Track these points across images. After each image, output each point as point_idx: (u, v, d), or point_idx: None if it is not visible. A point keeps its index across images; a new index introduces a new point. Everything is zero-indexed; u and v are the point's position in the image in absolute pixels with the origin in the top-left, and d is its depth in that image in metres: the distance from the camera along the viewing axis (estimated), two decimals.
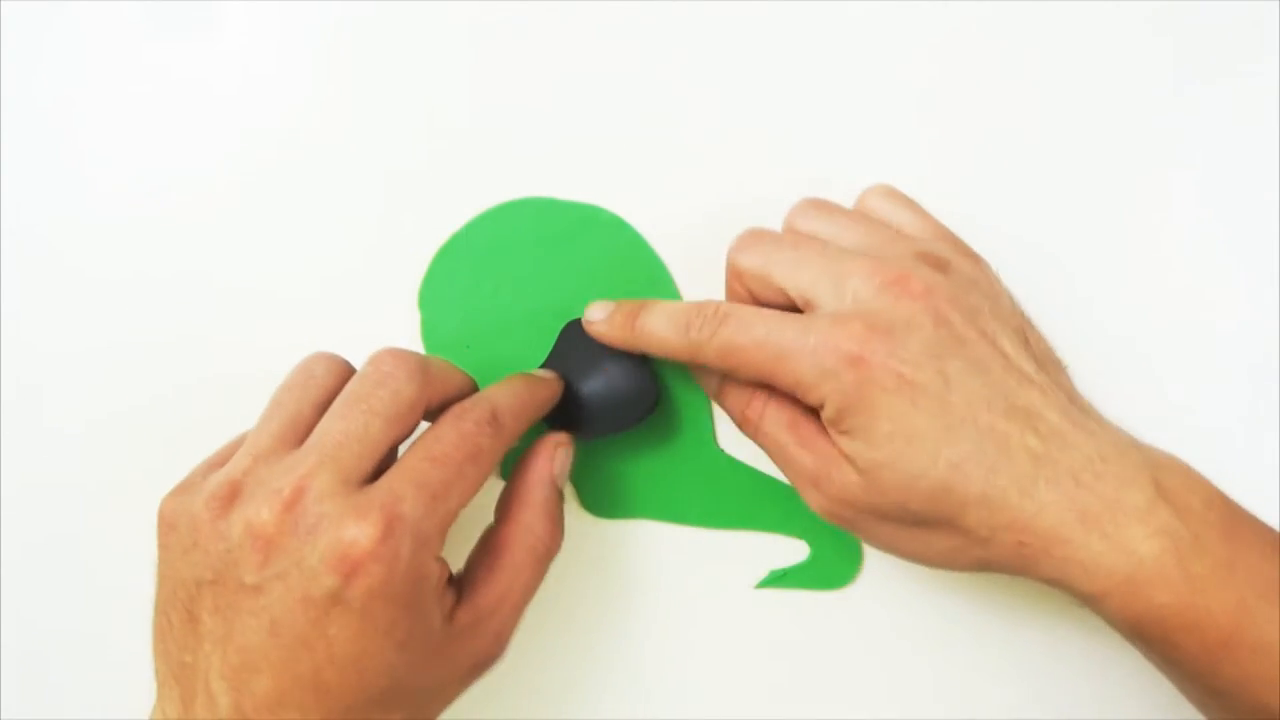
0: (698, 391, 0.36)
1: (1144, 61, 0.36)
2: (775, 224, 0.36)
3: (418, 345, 0.36)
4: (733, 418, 0.33)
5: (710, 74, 0.37)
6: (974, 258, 0.33)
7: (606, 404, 0.35)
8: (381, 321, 0.36)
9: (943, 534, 0.29)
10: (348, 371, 0.31)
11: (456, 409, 0.30)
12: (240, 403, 0.37)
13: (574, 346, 0.36)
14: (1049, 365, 0.31)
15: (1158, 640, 0.27)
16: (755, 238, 0.32)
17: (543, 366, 0.36)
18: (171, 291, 0.37)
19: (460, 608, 0.29)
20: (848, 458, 0.29)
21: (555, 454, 0.32)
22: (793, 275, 0.31)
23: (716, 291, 0.36)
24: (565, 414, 0.35)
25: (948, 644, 0.36)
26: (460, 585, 0.30)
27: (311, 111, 0.37)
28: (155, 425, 0.37)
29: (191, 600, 0.28)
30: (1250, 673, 0.26)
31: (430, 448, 0.29)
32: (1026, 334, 0.31)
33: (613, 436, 0.35)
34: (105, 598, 0.37)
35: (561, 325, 0.36)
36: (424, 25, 0.37)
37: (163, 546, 0.29)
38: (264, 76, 0.38)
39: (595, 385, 0.35)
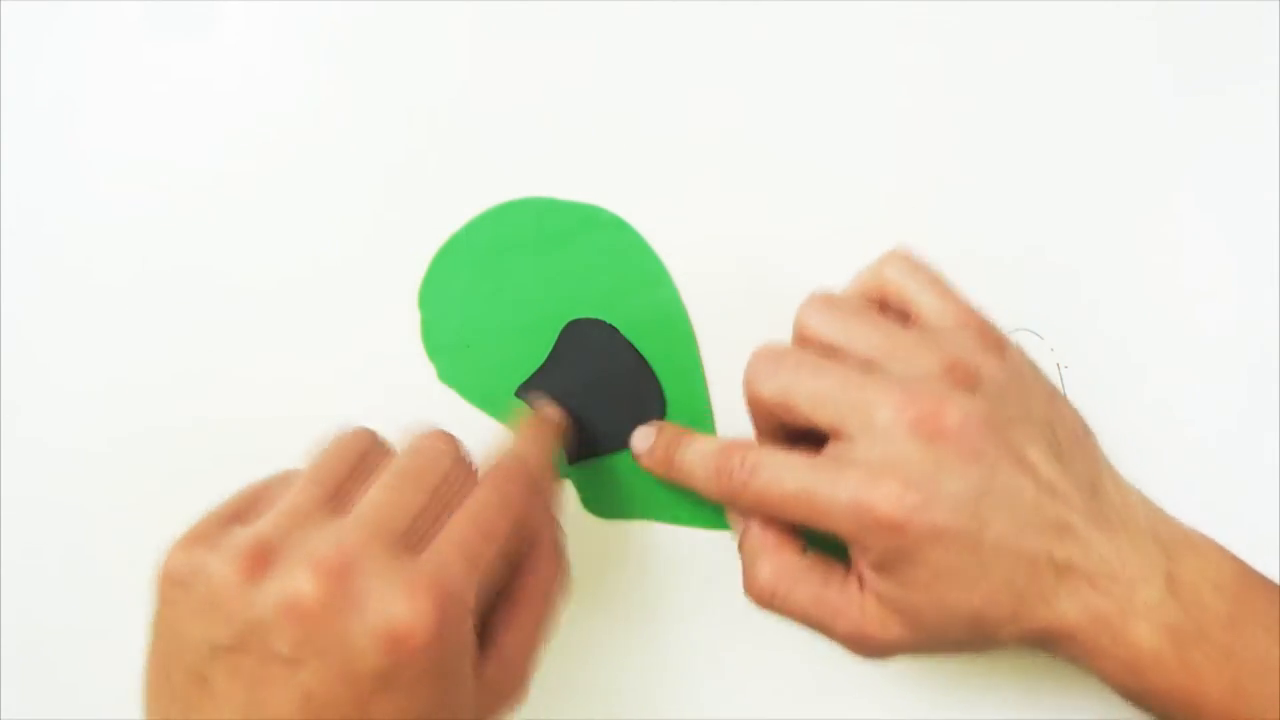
0: (698, 393, 0.36)
1: (1145, 66, 0.36)
2: (775, 223, 0.36)
3: (417, 345, 0.36)
4: (752, 600, 0.33)
5: (711, 74, 0.37)
6: (1001, 349, 0.31)
7: (614, 426, 0.35)
8: (381, 321, 0.36)
9: (975, 647, 0.30)
10: (388, 448, 0.31)
11: (497, 473, 0.30)
12: (238, 401, 0.37)
13: (574, 347, 0.36)
14: (1077, 453, 0.31)
15: (1157, 711, 0.29)
16: (770, 361, 0.31)
17: (543, 367, 0.36)
18: (170, 290, 0.37)
19: (488, 661, 0.29)
20: (882, 598, 0.29)
21: (555, 490, 0.33)
22: (818, 408, 0.30)
23: (717, 293, 0.36)
24: (571, 424, 0.35)
25: None
26: (482, 635, 0.29)
27: (311, 111, 0.37)
28: (154, 423, 0.37)
29: (202, 662, 0.26)
30: None
31: (477, 516, 0.28)
32: (1055, 428, 0.30)
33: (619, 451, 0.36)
34: (106, 596, 0.37)
35: (561, 325, 0.36)
36: (424, 25, 0.37)
37: (166, 602, 0.27)
38: (264, 76, 0.38)
39: (601, 405, 0.35)
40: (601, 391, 0.36)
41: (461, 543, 0.27)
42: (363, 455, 0.29)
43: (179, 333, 0.37)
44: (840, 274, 0.36)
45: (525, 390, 0.36)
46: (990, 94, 0.36)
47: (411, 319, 0.36)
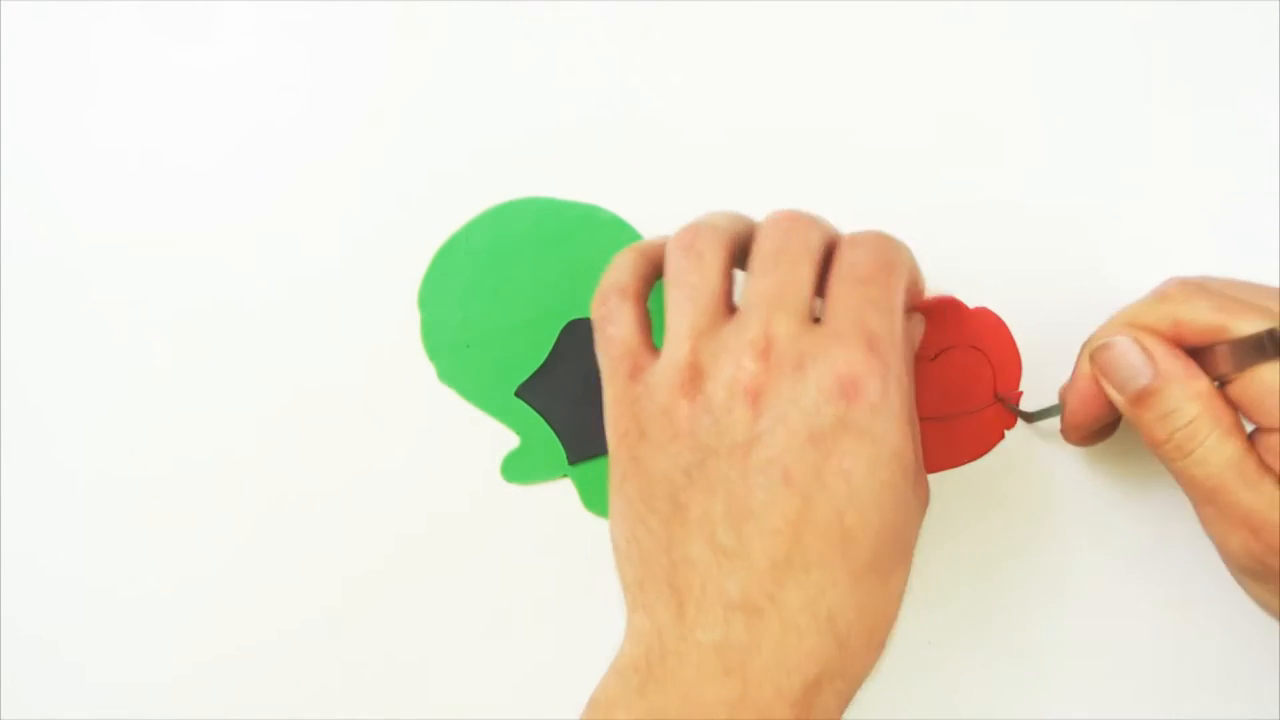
0: None
1: (1146, 72, 0.36)
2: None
3: (417, 345, 0.36)
4: (1152, 440, 0.28)
5: (710, 74, 0.37)
6: None
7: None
8: (381, 321, 0.36)
9: None
10: (743, 230, 0.30)
11: (855, 237, 0.29)
12: (237, 400, 0.37)
13: (574, 347, 0.36)
14: None
15: None
16: (1195, 288, 0.28)
17: (543, 367, 0.36)
18: (170, 289, 0.37)
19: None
20: None
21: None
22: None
23: None
24: (571, 424, 0.35)
25: (947, 641, 0.36)
26: None
27: (311, 112, 0.37)
28: (153, 419, 0.37)
29: (676, 492, 0.27)
30: None
31: (858, 272, 0.28)
32: None
33: None
34: (105, 598, 0.37)
35: (561, 325, 0.36)
36: (423, 25, 0.37)
37: (632, 460, 0.28)
38: (264, 77, 0.38)
39: (601, 406, 0.35)
40: (601, 392, 0.35)
41: (857, 295, 0.27)
42: (724, 258, 0.29)
43: (177, 332, 0.37)
44: None
45: (525, 390, 0.36)
46: (991, 99, 0.36)
47: (411, 319, 0.36)
